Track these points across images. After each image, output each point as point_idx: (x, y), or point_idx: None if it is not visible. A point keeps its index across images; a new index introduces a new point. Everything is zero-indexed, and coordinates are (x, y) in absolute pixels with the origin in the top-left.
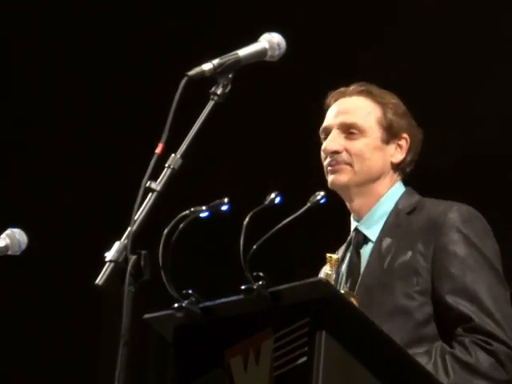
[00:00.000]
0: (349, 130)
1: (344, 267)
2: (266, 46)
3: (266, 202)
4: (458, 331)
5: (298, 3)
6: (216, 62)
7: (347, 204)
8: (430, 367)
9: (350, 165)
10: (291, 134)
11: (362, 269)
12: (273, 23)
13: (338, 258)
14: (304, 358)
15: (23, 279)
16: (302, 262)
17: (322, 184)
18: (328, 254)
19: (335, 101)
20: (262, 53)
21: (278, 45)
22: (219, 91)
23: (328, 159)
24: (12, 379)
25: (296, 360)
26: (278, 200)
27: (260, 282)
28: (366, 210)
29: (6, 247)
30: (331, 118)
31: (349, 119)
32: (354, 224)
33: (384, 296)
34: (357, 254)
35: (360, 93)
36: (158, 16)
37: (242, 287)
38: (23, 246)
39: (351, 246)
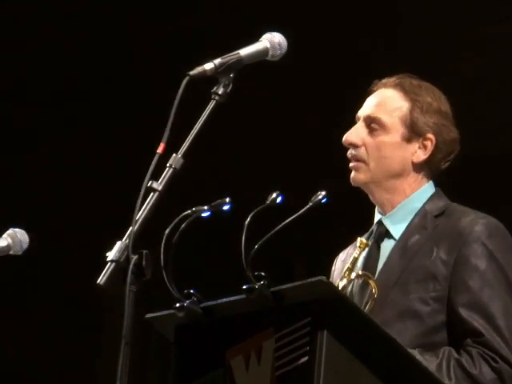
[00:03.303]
0: (371, 125)
1: (362, 258)
2: (268, 45)
3: (268, 202)
4: (467, 342)
5: (298, 3)
6: (217, 61)
7: (370, 197)
8: (433, 366)
9: (365, 162)
10: (292, 133)
11: (379, 264)
12: (273, 23)
13: (367, 243)
14: (305, 358)
15: (24, 279)
16: (302, 261)
17: (323, 184)
18: (359, 238)
19: (376, 90)
20: (264, 52)
21: (280, 44)
22: (220, 91)
23: (348, 151)
24: (12, 379)
25: (297, 360)
26: (279, 200)
27: (261, 282)
28: (390, 205)
29: (8, 247)
30: (363, 107)
31: (373, 113)
32: (377, 216)
33: (399, 296)
34: (377, 248)
35: (394, 86)
36: (158, 16)
37: (244, 287)
38: (25, 246)
39: (372, 239)
